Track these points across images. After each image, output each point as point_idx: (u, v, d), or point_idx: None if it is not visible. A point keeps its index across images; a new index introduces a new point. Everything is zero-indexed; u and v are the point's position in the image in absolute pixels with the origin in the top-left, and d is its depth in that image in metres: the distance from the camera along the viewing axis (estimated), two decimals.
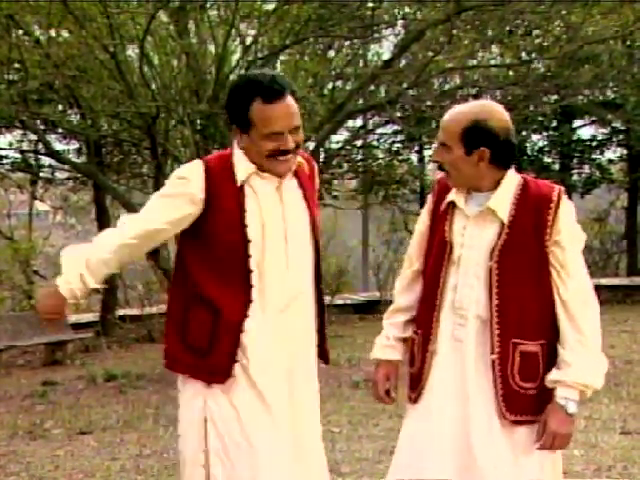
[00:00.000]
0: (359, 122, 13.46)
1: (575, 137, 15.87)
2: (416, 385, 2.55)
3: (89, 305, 14.13)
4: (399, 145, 15.12)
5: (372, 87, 11.22)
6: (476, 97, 10.27)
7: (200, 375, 2.55)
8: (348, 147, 13.74)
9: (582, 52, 10.00)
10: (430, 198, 2.67)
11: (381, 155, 14.97)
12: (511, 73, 11.06)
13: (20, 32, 9.11)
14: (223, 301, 2.51)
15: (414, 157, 15.70)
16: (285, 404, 2.56)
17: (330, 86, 11.64)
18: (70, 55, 8.72)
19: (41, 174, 14.50)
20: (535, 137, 15.87)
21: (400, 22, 10.62)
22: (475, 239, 2.46)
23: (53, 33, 9.12)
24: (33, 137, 12.73)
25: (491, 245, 2.44)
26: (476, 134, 2.42)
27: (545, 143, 15.95)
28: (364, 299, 14.20)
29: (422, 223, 2.67)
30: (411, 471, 2.47)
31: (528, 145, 15.69)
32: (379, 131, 14.57)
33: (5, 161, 13.70)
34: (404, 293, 2.70)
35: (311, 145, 10.49)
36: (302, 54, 10.78)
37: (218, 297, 2.52)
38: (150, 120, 8.91)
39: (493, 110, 2.46)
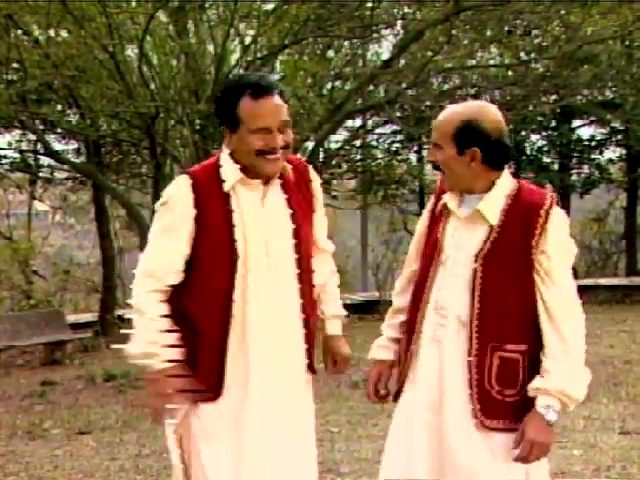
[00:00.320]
0: (358, 122, 13.49)
1: (574, 137, 15.85)
2: (398, 384, 2.57)
3: (88, 305, 14.15)
4: (398, 145, 15.13)
5: (371, 87, 11.24)
6: (475, 97, 10.28)
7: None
8: (347, 147, 13.76)
9: (581, 52, 10.02)
10: (432, 199, 2.67)
11: (380, 155, 14.97)
12: (510, 73, 11.08)
13: (19, 32, 9.12)
14: (203, 319, 2.51)
15: (413, 157, 15.68)
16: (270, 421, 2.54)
17: (329, 86, 11.66)
18: (69, 55, 8.73)
19: (40, 174, 14.52)
20: (534, 137, 15.89)
21: (399, 22, 10.66)
22: (464, 241, 2.45)
23: (52, 33, 9.14)
24: (32, 137, 12.75)
25: (478, 247, 2.42)
26: (468, 134, 2.40)
27: (544, 143, 15.95)
28: (363, 299, 14.17)
29: (422, 224, 2.66)
30: (397, 470, 2.48)
31: (527, 145, 15.70)
32: (378, 131, 14.59)
33: (4, 161, 13.71)
34: (402, 294, 2.69)
35: (310, 145, 10.52)
36: (301, 54, 10.79)
37: (198, 314, 2.52)
38: (149, 120, 8.93)
39: (486, 111, 2.45)
